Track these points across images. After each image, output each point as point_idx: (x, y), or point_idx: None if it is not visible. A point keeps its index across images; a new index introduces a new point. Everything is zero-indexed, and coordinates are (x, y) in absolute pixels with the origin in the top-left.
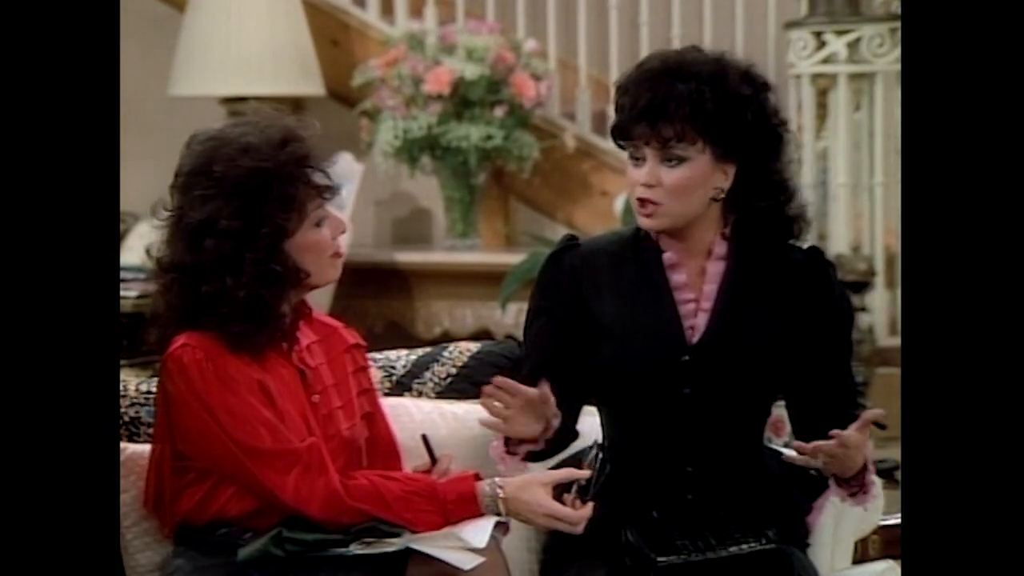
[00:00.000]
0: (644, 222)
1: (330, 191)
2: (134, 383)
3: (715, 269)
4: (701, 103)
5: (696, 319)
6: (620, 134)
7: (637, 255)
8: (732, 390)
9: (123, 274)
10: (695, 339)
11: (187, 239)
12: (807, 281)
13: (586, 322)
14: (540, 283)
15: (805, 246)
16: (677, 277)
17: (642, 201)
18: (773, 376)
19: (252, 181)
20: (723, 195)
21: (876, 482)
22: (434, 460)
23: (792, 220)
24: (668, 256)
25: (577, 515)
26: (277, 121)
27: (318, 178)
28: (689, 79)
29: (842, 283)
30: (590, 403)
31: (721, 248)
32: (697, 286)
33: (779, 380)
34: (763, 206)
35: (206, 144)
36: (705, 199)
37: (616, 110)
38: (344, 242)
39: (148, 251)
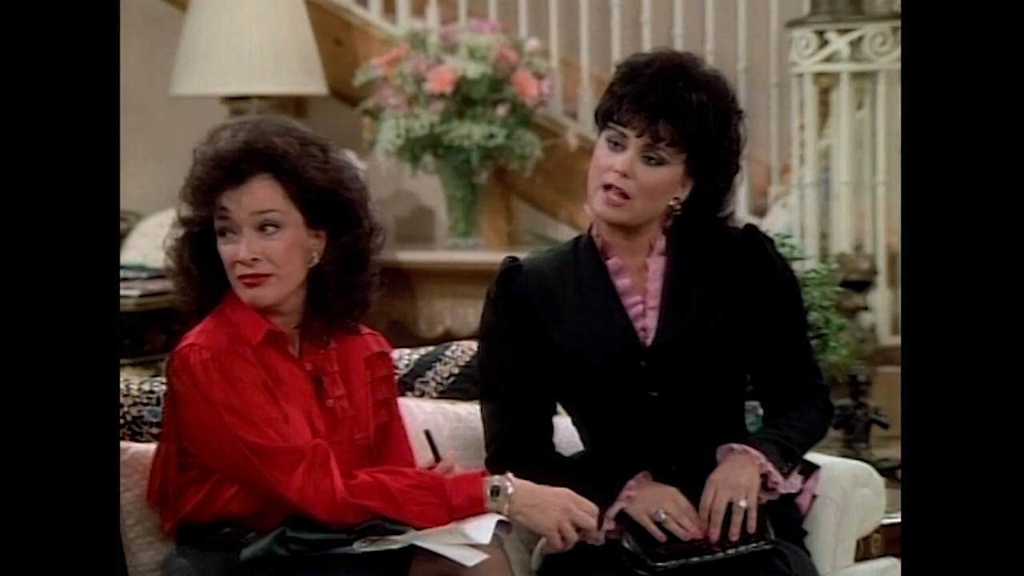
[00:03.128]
0: (607, 211)
1: (225, 212)
2: (136, 382)
3: (656, 266)
4: (705, 116)
5: (646, 319)
6: (612, 118)
7: (579, 267)
8: (697, 383)
9: (125, 273)
10: (649, 341)
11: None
12: (747, 259)
13: (542, 342)
14: (492, 307)
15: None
16: (622, 282)
17: (611, 187)
18: (734, 359)
19: (192, 179)
20: (678, 207)
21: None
22: (437, 457)
23: (727, 217)
24: (613, 262)
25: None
26: (254, 125)
27: (225, 197)
28: (699, 88)
29: (783, 256)
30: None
31: (660, 243)
32: (641, 286)
33: (741, 361)
34: (707, 211)
35: (210, 133)
36: (664, 205)
37: (613, 94)
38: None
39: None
